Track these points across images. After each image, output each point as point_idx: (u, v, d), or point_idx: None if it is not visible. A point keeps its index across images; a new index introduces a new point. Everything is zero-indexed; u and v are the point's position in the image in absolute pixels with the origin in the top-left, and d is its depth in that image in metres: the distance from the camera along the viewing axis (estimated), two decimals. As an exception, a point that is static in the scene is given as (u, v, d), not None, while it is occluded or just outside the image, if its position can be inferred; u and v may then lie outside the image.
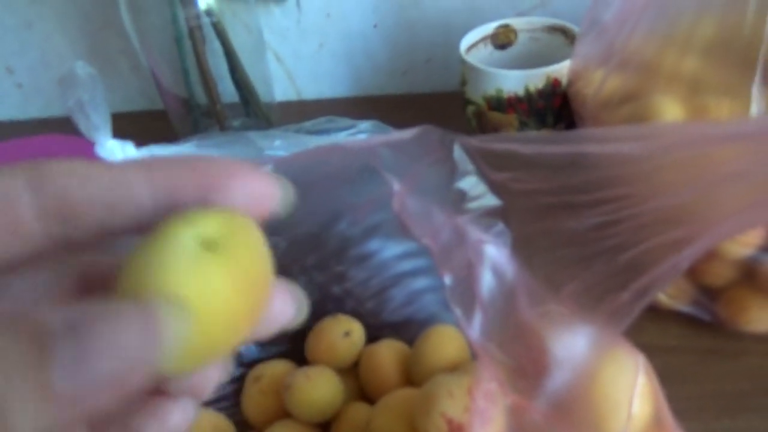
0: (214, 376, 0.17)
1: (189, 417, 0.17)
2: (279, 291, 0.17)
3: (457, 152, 0.25)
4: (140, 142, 0.42)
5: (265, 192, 0.16)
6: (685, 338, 0.40)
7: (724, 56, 0.36)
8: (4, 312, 0.13)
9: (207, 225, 0.15)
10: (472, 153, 0.25)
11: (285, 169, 0.30)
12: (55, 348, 0.12)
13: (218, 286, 0.14)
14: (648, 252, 0.22)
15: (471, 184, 0.26)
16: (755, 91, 0.34)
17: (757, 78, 0.34)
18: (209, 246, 0.14)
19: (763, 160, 0.20)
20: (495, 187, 0.26)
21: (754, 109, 0.34)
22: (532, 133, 0.24)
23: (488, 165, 0.25)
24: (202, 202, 0.15)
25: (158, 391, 0.16)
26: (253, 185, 0.16)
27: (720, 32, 0.37)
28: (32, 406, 0.12)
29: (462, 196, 0.26)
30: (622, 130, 0.22)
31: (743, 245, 0.36)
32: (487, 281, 0.26)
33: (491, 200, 0.26)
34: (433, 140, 0.26)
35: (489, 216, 0.26)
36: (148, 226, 0.15)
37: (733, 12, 0.36)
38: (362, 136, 0.45)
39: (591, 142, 0.22)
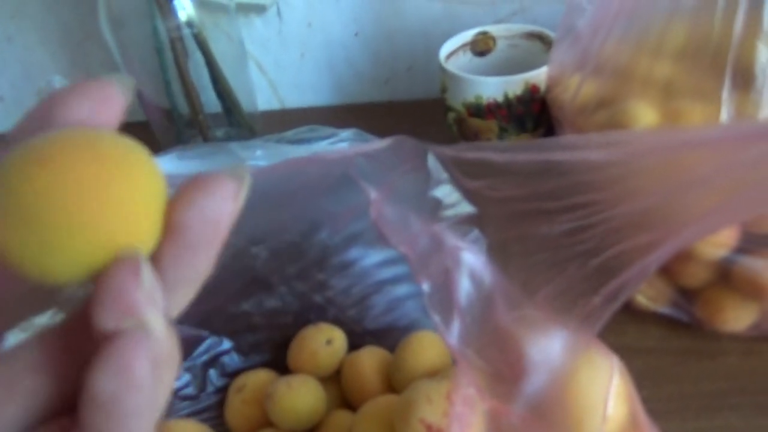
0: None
1: None
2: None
3: (431, 161, 0.26)
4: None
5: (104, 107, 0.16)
6: (665, 339, 0.41)
7: (695, 61, 0.37)
8: None
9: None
10: (445, 162, 0.26)
11: (263, 179, 0.30)
12: None
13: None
14: (618, 256, 0.22)
15: (446, 192, 0.26)
16: (725, 95, 0.35)
17: (727, 82, 0.35)
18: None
19: (726, 165, 0.20)
20: (469, 195, 0.26)
21: (725, 112, 0.35)
22: (504, 142, 0.25)
23: (462, 173, 0.26)
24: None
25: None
26: (94, 102, 0.15)
27: (690, 37, 0.37)
28: None
29: (437, 204, 0.26)
30: (590, 138, 0.23)
31: (717, 246, 0.36)
32: (464, 287, 0.27)
33: (466, 207, 0.26)
34: (407, 150, 0.26)
35: (464, 223, 0.27)
36: None
37: (702, 18, 0.36)
38: (343, 145, 0.45)
39: (560, 150, 0.22)
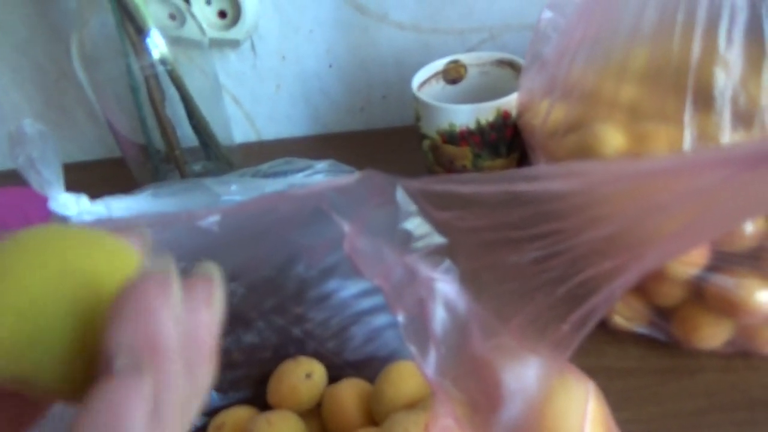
0: None
1: None
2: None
3: (400, 194, 0.26)
4: (99, 192, 0.42)
5: None
6: (644, 359, 0.41)
7: (658, 84, 0.38)
8: None
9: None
10: (414, 194, 0.26)
11: (234, 218, 0.30)
12: None
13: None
14: (585, 283, 0.23)
15: (416, 224, 0.26)
16: (687, 117, 0.36)
17: (688, 105, 0.36)
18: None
19: (684, 192, 0.21)
20: (439, 226, 0.26)
21: (688, 134, 0.36)
22: (469, 174, 0.25)
23: (431, 205, 0.26)
24: None
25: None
26: None
27: (651, 61, 0.38)
28: None
29: (408, 237, 0.27)
30: (551, 169, 0.23)
31: (689, 265, 0.37)
32: (439, 317, 0.27)
33: (437, 238, 0.27)
34: (377, 183, 0.27)
35: (436, 254, 0.27)
36: None
37: (662, 41, 0.37)
38: (319, 177, 0.45)
39: (523, 181, 0.23)
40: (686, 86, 0.36)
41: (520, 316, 0.25)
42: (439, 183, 0.25)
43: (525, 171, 0.23)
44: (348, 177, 0.27)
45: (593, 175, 0.23)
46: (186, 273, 0.34)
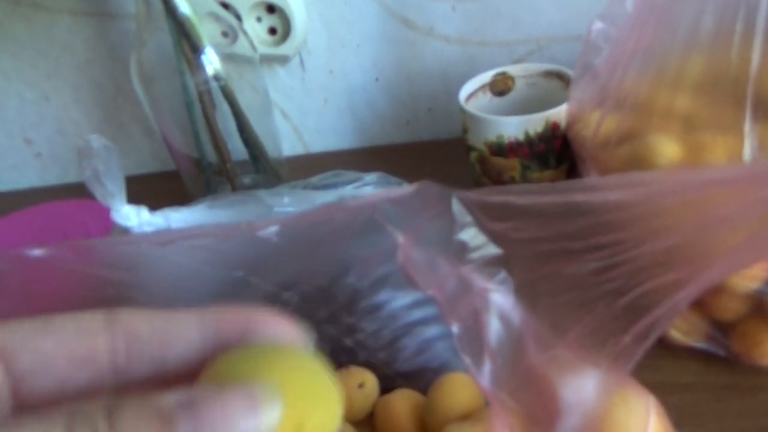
0: None
1: None
2: None
3: (456, 205, 0.26)
4: (154, 205, 0.43)
5: (288, 332, 0.20)
6: (702, 375, 0.40)
7: (715, 93, 0.37)
8: (131, 398, 0.15)
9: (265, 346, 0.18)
10: (469, 205, 0.26)
11: (292, 228, 0.31)
12: (177, 424, 0.15)
13: (294, 376, 0.17)
14: (646, 294, 0.23)
15: (471, 235, 0.26)
16: (747, 127, 0.35)
17: (748, 115, 0.35)
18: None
19: (749, 204, 0.20)
20: (494, 237, 0.26)
21: (747, 145, 0.35)
22: (526, 185, 0.25)
23: (486, 216, 0.26)
24: (242, 341, 0.19)
25: None
26: (279, 328, 0.20)
27: (709, 70, 0.38)
28: None
29: (463, 247, 0.27)
30: (609, 180, 0.23)
31: (750, 279, 0.36)
32: (494, 328, 0.27)
33: (492, 249, 0.27)
34: (431, 195, 0.27)
35: (491, 265, 0.27)
36: (195, 362, 0.18)
37: (720, 50, 0.37)
38: (368, 188, 0.46)
39: (580, 191, 0.22)
40: (746, 95, 0.35)
41: (579, 328, 0.25)
42: (495, 194, 0.25)
43: (583, 182, 0.23)
44: (403, 188, 0.27)
45: (653, 185, 0.23)
46: (243, 283, 0.34)
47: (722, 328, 0.40)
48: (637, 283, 0.23)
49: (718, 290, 0.38)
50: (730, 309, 0.39)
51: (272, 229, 0.30)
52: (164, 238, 0.33)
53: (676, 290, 0.22)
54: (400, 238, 0.28)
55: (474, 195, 0.26)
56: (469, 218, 0.26)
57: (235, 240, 0.30)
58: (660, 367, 0.41)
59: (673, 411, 0.29)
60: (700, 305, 0.40)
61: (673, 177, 0.23)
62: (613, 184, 0.23)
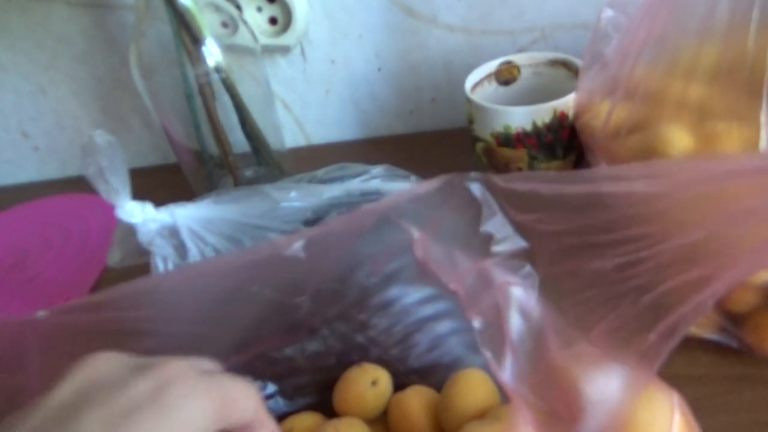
0: None
1: None
2: None
3: (482, 194, 0.26)
4: (156, 198, 0.42)
5: None
6: (714, 366, 0.40)
7: (730, 83, 0.37)
8: None
9: None
10: (496, 194, 0.26)
11: (318, 241, 0.30)
12: None
13: None
14: (670, 292, 0.22)
15: (497, 225, 0.26)
16: (764, 117, 0.34)
17: (764, 104, 0.34)
18: None
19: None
20: (520, 229, 0.26)
21: (764, 135, 0.34)
22: (551, 173, 0.25)
23: (512, 206, 0.26)
24: None
25: None
26: None
27: (723, 58, 0.37)
28: None
29: (488, 239, 0.26)
30: (634, 169, 0.23)
31: (764, 271, 0.35)
32: (515, 323, 0.26)
33: (517, 242, 0.26)
34: (457, 187, 0.26)
35: (516, 258, 0.26)
36: None
37: (735, 38, 0.36)
38: (375, 181, 0.45)
39: (606, 181, 0.22)
40: (762, 85, 0.34)
41: (604, 325, 0.24)
42: (522, 180, 0.24)
43: (609, 170, 0.23)
44: (429, 183, 0.26)
45: (677, 175, 0.22)
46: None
47: (735, 320, 0.39)
48: (663, 279, 0.23)
49: (731, 282, 0.37)
50: (742, 301, 0.38)
51: (298, 245, 0.29)
52: (187, 274, 0.31)
53: (702, 287, 0.22)
54: (417, 233, 0.28)
55: (500, 181, 0.25)
56: (496, 208, 0.26)
57: (261, 258, 0.29)
58: (672, 360, 0.40)
59: (687, 403, 0.29)
60: (712, 297, 0.40)
61: (696, 166, 0.22)
62: (638, 173, 0.22)
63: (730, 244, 0.22)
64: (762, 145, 0.35)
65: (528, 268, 0.25)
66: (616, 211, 0.23)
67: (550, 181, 0.24)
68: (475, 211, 0.26)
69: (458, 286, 0.26)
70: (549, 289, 0.25)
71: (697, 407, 0.38)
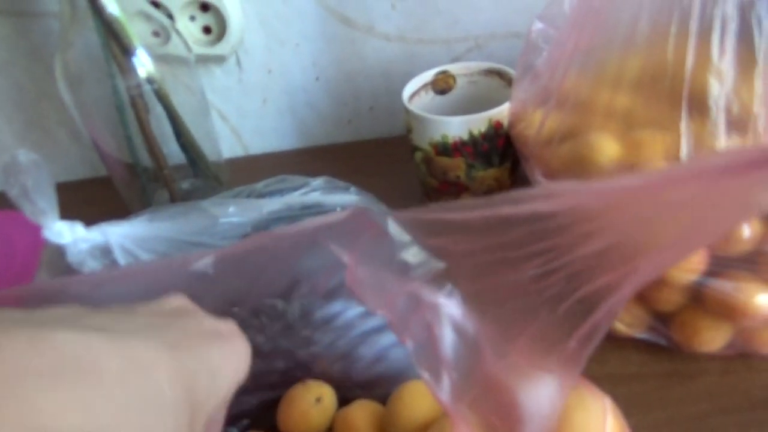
0: None
1: None
2: None
3: (392, 226, 0.26)
4: (86, 212, 0.41)
5: None
6: (645, 364, 0.42)
7: (652, 93, 0.38)
8: None
9: None
10: (405, 224, 0.26)
11: (229, 258, 0.30)
12: None
13: None
14: (584, 299, 0.23)
15: (412, 253, 0.26)
16: (684, 126, 0.36)
17: (684, 113, 0.36)
18: None
19: (669, 204, 0.21)
20: (435, 252, 0.26)
21: (684, 143, 0.36)
22: (455, 202, 0.26)
23: (423, 232, 0.26)
24: None
25: None
26: None
27: (646, 70, 0.39)
28: None
29: (406, 266, 0.27)
30: (532, 192, 0.24)
31: (688, 271, 0.37)
32: (449, 340, 0.27)
33: (435, 264, 0.27)
34: (367, 218, 0.27)
35: (436, 279, 0.27)
36: None
37: (656, 50, 0.38)
38: (315, 194, 0.45)
39: (507, 204, 0.23)
40: (681, 95, 0.36)
41: (527, 335, 0.25)
42: (428, 213, 0.25)
43: (508, 195, 0.23)
44: (338, 214, 0.27)
45: (576, 195, 0.23)
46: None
47: (663, 319, 0.41)
48: (574, 288, 0.24)
49: (658, 283, 0.39)
50: (670, 300, 0.40)
51: (206, 261, 0.29)
52: (94, 279, 0.31)
53: (611, 293, 0.23)
54: (346, 258, 0.28)
55: (409, 214, 0.26)
56: (407, 237, 0.26)
57: (170, 272, 0.29)
58: (606, 360, 0.42)
59: (622, 401, 0.30)
60: (641, 298, 0.41)
61: (595, 186, 0.23)
62: (536, 195, 0.23)
63: (633, 251, 0.23)
64: (683, 152, 0.36)
65: (449, 286, 0.26)
66: (524, 228, 0.24)
67: (455, 210, 0.24)
68: (389, 240, 0.27)
69: (388, 311, 0.26)
70: (472, 304, 0.25)
71: (631, 404, 0.39)
